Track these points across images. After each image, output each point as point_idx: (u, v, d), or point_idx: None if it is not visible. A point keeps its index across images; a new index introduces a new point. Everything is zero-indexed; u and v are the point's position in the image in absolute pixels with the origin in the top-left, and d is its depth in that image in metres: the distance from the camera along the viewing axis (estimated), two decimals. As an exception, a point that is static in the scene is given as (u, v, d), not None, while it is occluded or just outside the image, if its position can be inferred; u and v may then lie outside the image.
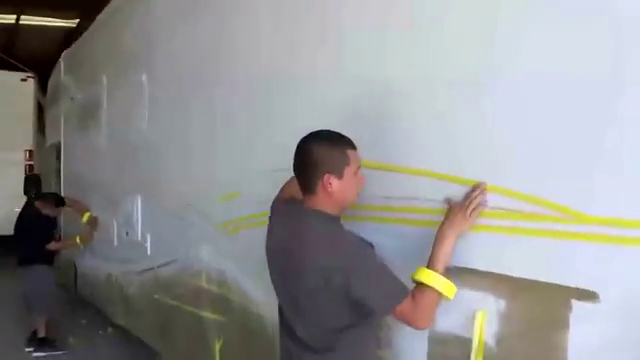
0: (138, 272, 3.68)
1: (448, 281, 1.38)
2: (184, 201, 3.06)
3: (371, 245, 1.45)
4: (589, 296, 1.24)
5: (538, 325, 1.34)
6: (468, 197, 1.41)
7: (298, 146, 1.49)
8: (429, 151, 1.58)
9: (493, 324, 1.43)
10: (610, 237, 1.21)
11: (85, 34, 5.30)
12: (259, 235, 2.30)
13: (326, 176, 1.42)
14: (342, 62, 1.94)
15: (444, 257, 1.39)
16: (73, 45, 5.89)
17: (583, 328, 1.26)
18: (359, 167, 1.49)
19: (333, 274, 1.37)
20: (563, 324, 1.28)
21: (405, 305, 1.36)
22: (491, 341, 1.43)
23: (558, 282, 1.30)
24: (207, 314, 2.78)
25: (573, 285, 1.27)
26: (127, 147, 3.93)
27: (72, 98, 5.74)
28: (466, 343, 1.48)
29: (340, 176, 1.43)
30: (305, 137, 1.50)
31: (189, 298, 2.94)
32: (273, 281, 1.59)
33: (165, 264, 3.26)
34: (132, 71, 3.78)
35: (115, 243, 4.17)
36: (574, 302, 1.27)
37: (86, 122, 5.11)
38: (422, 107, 1.62)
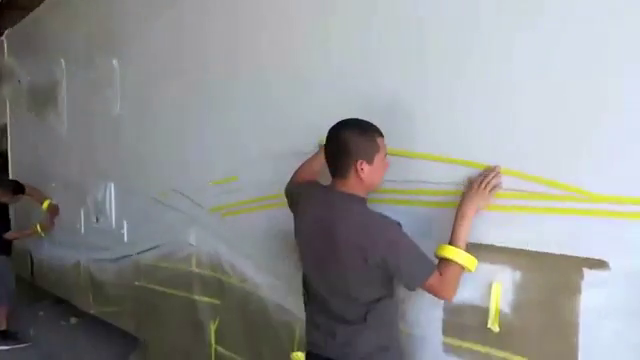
0: (113, 259, 3.62)
1: (470, 255, 1.52)
2: (168, 186, 3.05)
3: (399, 224, 1.56)
4: (599, 265, 1.42)
5: (552, 292, 1.51)
6: (484, 179, 1.55)
7: (330, 134, 1.58)
8: (443, 138, 1.70)
9: (509, 294, 1.59)
10: (617, 213, 1.39)
11: (35, 13, 5.03)
12: (259, 219, 2.41)
13: (359, 162, 1.52)
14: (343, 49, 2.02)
15: (465, 234, 1.53)
16: (19, 24, 5.57)
17: (593, 293, 1.43)
18: (386, 154, 1.60)
19: (372, 253, 1.47)
20: (575, 290, 1.46)
21: (433, 279, 1.49)
22: (507, 309, 1.59)
23: (570, 253, 1.47)
24: (199, 297, 2.81)
25: (584, 255, 1.44)
26: (96, 133, 3.82)
27: (19, 81, 5.45)
28: (482, 312, 1.64)
29: (371, 162, 1.54)
30: (336, 126, 1.59)
31: (178, 283, 2.95)
32: (305, 260, 1.66)
33: (147, 250, 3.23)
34: (100, 54, 3.66)
35: (82, 231, 4.07)
36: (585, 270, 1.44)
37: (40, 106, 4.88)
38: (436, 99, 1.73)
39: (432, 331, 1.76)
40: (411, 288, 1.55)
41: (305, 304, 1.75)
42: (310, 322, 1.71)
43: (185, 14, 2.85)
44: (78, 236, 4.09)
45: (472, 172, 1.62)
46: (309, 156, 2.01)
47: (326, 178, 1.70)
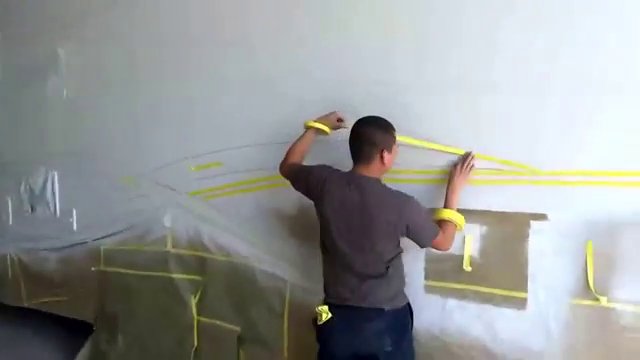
0: (57, 248, 3.61)
1: (461, 216, 2.10)
2: (134, 172, 3.21)
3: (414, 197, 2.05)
4: (541, 217, 2.08)
5: (508, 239, 2.14)
6: (465, 162, 2.14)
7: (357, 129, 2.02)
8: (436, 131, 2.24)
9: (477, 243, 2.20)
10: (551, 181, 2.05)
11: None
12: (244, 200, 2.77)
13: (383, 151, 2.00)
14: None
15: (456, 201, 2.11)
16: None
17: (537, 237, 2.08)
18: (397, 143, 2.10)
19: (397, 221, 1.96)
20: (525, 236, 2.10)
21: (439, 237, 2.04)
22: (476, 254, 2.20)
23: (520, 211, 2.11)
24: (177, 275, 3.02)
25: (530, 212, 2.09)
26: (34, 121, 3.74)
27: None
28: (457, 259, 2.22)
29: (390, 151, 2.03)
30: (361, 122, 2.03)
31: (150, 263, 3.12)
32: (333, 232, 2.04)
33: (108, 235, 3.34)
34: (44, 40, 3.59)
35: (10, 222, 3.94)
36: (532, 222, 2.09)
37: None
38: (437, 100, 2.25)
39: (416, 277, 2.30)
40: (423, 246, 2.07)
41: (325, 265, 2.16)
42: (334, 280, 2.10)
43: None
44: (5, 228, 3.95)
45: (454, 158, 2.19)
46: (294, 140, 2.38)
47: (313, 156, 2.24)
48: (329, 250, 2.12)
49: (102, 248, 3.37)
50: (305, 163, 2.31)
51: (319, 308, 2.09)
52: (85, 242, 3.47)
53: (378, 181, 2.04)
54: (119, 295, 3.30)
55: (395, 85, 2.29)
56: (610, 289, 1.98)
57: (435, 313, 2.24)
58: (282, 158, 2.40)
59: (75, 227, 3.55)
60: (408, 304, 2.12)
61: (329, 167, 2.16)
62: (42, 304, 3.79)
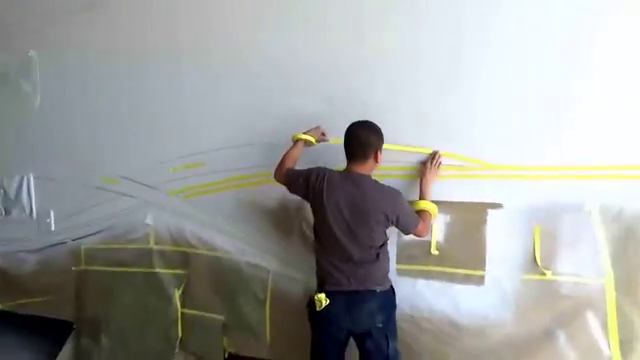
0: (34, 250, 3.68)
1: (435, 206, 2.41)
2: (114, 174, 3.35)
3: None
4: (496, 206, 2.42)
5: (468, 225, 2.47)
6: (434, 159, 2.46)
7: (354, 131, 2.28)
8: (408, 135, 2.54)
9: (442, 229, 2.52)
10: (503, 175, 2.40)
11: None
12: (226, 197, 2.98)
13: (377, 151, 2.29)
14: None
15: (430, 193, 2.42)
16: None
17: (493, 223, 2.43)
18: None
19: (388, 212, 2.24)
20: (482, 222, 2.44)
21: (420, 225, 2.35)
22: (441, 239, 2.52)
23: (479, 200, 2.45)
24: (161, 270, 3.18)
25: (487, 201, 2.43)
26: (8, 125, 3.79)
27: None
28: (424, 244, 2.54)
29: (381, 151, 2.32)
30: (357, 125, 2.29)
31: (133, 260, 3.26)
32: (330, 225, 2.26)
33: (88, 235, 3.45)
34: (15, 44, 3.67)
35: (-17, 226, 3.96)
36: (488, 210, 2.44)
37: None
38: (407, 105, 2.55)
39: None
40: (408, 233, 2.38)
41: (321, 257, 2.37)
42: (332, 270, 2.31)
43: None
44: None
45: (423, 157, 2.51)
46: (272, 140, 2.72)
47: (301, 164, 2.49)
48: (327, 243, 2.34)
49: (83, 247, 3.48)
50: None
51: (317, 296, 2.30)
52: (64, 242, 3.56)
53: (370, 177, 2.32)
54: (101, 292, 3.41)
55: (372, 99, 2.59)
56: (553, 265, 2.35)
57: (406, 292, 2.53)
58: (261, 158, 2.72)
59: (53, 228, 3.64)
60: (392, 285, 2.40)
61: (325, 168, 2.41)
62: (20, 306, 3.82)
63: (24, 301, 3.79)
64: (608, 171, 2.24)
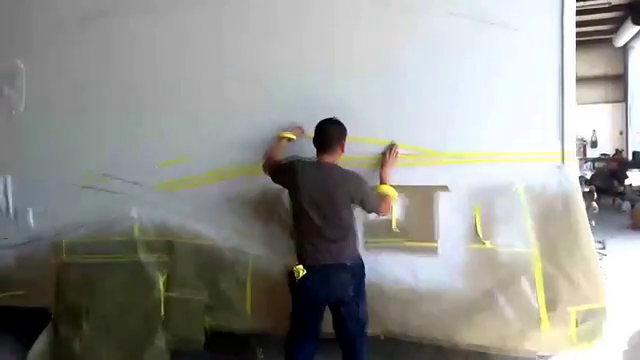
0: (12, 245, 3.82)
1: (394, 189, 2.88)
2: (96, 171, 3.59)
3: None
4: (444, 188, 2.94)
5: (422, 205, 2.98)
6: (392, 150, 2.94)
7: (323, 127, 2.73)
8: (372, 128, 3.02)
9: (401, 209, 3.00)
10: (449, 161, 2.93)
11: None
12: (208, 190, 3.32)
13: (342, 143, 2.73)
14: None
15: (389, 179, 2.89)
16: None
17: (442, 203, 2.95)
18: None
19: (353, 194, 2.69)
20: (433, 202, 2.95)
21: (382, 205, 2.81)
22: (400, 217, 3.00)
23: (430, 184, 2.95)
24: (145, 259, 3.45)
25: (437, 184, 2.94)
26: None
27: None
28: (386, 222, 3.01)
29: (345, 143, 2.77)
30: (325, 122, 2.75)
31: (117, 250, 3.50)
32: (307, 206, 2.66)
33: (70, 230, 3.66)
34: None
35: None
36: (438, 192, 2.94)
37: None
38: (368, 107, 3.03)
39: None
40: (370, 212, 2.83)
41: (299, 237, 2.76)
42: (308, 246, 2.69)
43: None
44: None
45: (382, 147, 2.99)
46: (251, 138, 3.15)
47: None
48: (303, 224, 2.74)
49: (64, 241, 3.66)
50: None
51: (296, 267, 2.68)
52: (44, 238, 3.73)
53: (337, 165, 2.77)
54: (82, 281, 3.56)
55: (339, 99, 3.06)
56: (491, 236, 2.88)
57: (372, 264, 2.96)
58: (243, 154, 3.17)
59: (32, 225, 3.80)
60: (362, 259, 2.83)
61: (300, 159, 2.84)
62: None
63: (2, 294, 3.89)
64: (531, 157, 2.81)
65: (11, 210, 3.87)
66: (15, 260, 3.84)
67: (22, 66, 3.78)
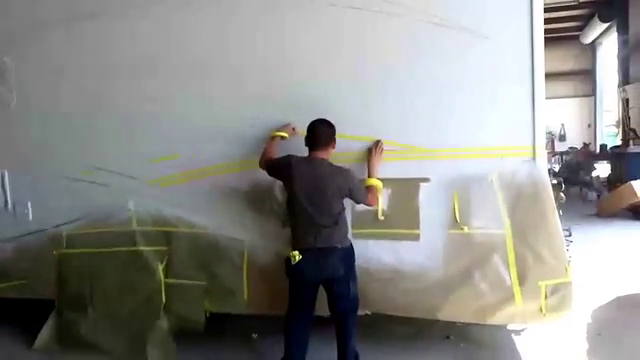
0: (12, 237, 3.94)
1: (380, 182, 3.14)
2: (92, 166, 3.74)
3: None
4: (426, 180, 3.21)
5: (405, 196, 3.25)
6: (377, 146, 3.19)
7: (316, 126, 2.98)
8: (359, 126, 3.27)
9: (386, 200, 3.26)
10: (430, 156, 3.20)
11: None
12: (203, 184, 3.52)
13: (333, 141, 2.99)
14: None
15: (375, 172, 3.15)
16: None
17: (423, 194, 3.22)
18: None
19: (342, 187, 2.94)
20: (416, 193, 3.23)
21: (369, 197, 3.07)
22: (386, 207, 3.27)
23: (412, 177, 3.22)
24: (144, 248, 3.63)
25: (419, 176, 3.21)
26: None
27: None
28: (373, 212, 3.27)
29: (335, 140, 3.02)
30: (318, 122, 3.00)
31: (115, 241, 3.66)
32: (301, 197, 2.90)
33: (69, 222, 3.81)
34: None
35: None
36: (420, 183, 3.21)
37: None
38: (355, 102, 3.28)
39: (346, 227, 3.30)
40: (358, 202, 3.10)
41: (294, 224, 3.01)
42: (302, 233, 2.95)
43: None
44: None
45: (369, 144, 3.24)
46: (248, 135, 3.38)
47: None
48: (297, 213, 2.98)
49: (64, 233, 3.82)
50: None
51: (292, 253, 2.92)
52: (44, 229, 3.88)
53: (328, 161, 3.01)
54: (84, 271, 3.73)
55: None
56: (468, 221, 3.17)
57: (360, 250, 3.21)
58: (236, 150, 3.39)
59: (31, 217, 3.94)
60: (351, 244, 3.08)
61: (293, 155, 3.06)
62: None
63: (2, 285, 4.01)
64: (504, 151, 3.10)
65: (10, 203, 4.00)
66: (16, 252, 3.97)
67: (10, 62, 3.89)
